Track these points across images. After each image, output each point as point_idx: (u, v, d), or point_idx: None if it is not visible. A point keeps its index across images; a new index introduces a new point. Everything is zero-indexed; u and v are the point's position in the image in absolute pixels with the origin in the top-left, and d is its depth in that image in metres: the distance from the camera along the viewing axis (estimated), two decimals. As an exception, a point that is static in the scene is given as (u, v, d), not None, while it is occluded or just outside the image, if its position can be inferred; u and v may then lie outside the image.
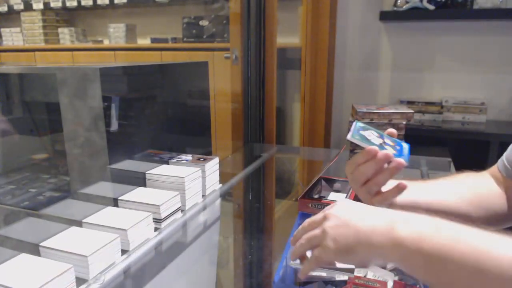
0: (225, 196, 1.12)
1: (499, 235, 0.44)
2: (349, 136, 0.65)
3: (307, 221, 0.59)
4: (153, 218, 0.82)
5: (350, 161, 0.67)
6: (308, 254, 0.58)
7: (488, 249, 0.42)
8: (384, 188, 0.65)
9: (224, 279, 0.78)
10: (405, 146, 0.70)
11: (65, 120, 0.84)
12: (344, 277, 0.64)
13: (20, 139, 1.11)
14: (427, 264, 0.44)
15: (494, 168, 0.77)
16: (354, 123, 0.71)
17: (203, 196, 1.01)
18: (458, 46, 2.10)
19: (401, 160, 0.63)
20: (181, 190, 0.91)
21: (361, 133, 0.67)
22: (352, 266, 0.60)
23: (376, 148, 0.63)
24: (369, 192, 0.65)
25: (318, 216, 0.57)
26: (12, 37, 3.18)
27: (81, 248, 0.66)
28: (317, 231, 0.55)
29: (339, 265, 0.62)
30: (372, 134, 0.68)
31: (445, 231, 0.46)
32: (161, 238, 0.83)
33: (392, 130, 0.70)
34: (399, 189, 0.63)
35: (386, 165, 0.64)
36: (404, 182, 0.64)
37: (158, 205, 0.83)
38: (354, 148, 1.26)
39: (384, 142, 0.67)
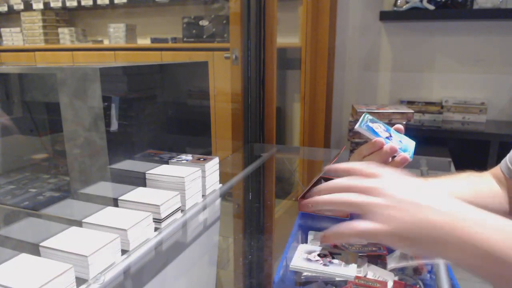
0: (225, 196, 1.12)
1: None
2: (357, 126, 0.65)
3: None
4: (153, 218, 0.82)
5: (355, 152, 0.67)
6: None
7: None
8: None
9: (224, 279, 0.78)
10: (411, 142, 0.70)
11: (65, 120, 0.84)
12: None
13: (20, 139, 1.11)
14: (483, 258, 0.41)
15: (496, 169, 0.77)
16: (363, 114, 0.71)
17: (203, 196, 1.01)
18: (458, 46, 2.10)
19: (406, 155, 0.63)
20: (181, 190, 0.91)
21: (369, 125, 0.67)
22: (352, 274, 0.60)
23: (383, 140, 0.63)
24: None
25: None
26: (12, 37, 3.17)
27: (81, 248, 0.66)
28: (372, 186, 0.47)
29: (339, 267, 0.62)
30: (379, 127, 0.68)
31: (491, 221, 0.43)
32: (161, 238, 0.83)
33: (399, 126, 0.69)
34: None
35: (390, 159, 0.64)
36: None
37: (158, 205, 0.83)
38: (354, 148, 1.26)
39: (391, 136, 0.67)
